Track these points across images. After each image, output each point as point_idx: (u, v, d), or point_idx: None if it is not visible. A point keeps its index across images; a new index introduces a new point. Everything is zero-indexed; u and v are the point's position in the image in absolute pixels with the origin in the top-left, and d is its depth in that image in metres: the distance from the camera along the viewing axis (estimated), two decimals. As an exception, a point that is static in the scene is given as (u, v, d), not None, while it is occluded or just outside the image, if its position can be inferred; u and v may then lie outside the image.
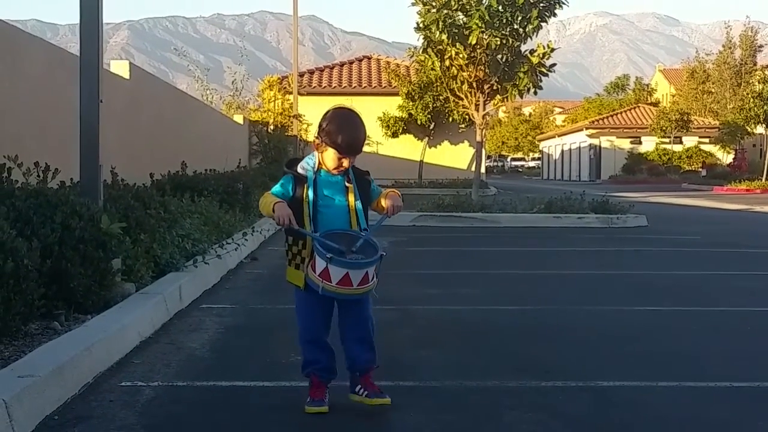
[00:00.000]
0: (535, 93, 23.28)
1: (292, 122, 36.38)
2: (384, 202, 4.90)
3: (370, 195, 4.97)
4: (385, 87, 42.97)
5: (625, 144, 72.02)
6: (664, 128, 63.34)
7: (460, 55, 22.18)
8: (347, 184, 4.85)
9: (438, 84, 25.72)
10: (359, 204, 4.86)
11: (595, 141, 73.72)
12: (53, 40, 14.50)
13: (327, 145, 4.76)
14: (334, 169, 4.80)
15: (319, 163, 4.85)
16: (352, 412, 4.84)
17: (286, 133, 35.18)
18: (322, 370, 4.92)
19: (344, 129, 4.76)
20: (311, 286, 4.71)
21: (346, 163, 4.78)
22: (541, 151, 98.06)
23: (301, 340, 4.99)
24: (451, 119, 38.05)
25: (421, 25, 22.53)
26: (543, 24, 22.18)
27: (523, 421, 4.81)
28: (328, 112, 4.88)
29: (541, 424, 4.76)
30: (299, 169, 4.85)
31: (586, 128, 75.34)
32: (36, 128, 10.15)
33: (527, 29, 22.07)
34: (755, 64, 70.69)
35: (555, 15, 22.14)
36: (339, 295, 4.68)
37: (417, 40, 23.31)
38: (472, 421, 4.85)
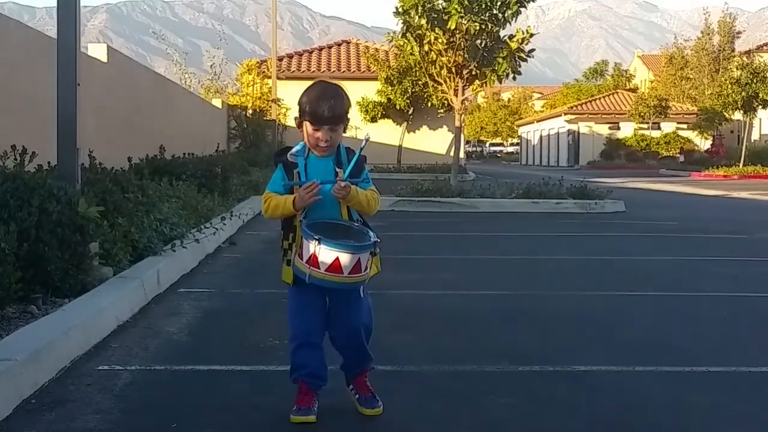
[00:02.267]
0: (514, 78, 23.30)
1: (270, 106, 36.29)
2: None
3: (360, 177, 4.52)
4: (364, 72, 42.91)
5: (604, 130, 72.21)
6: (642, 114, 63.58)
7: (439, 40, 22.17)
8: (337, 168, 4.46)
9: (417, 69, 25.75)
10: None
11: (574, 127, 73.91)
12: (30, 23, 14.42)
13: (302, 119, 4.45)
14: (315, 147, 4.44)
15: (308, 147, 4.50)
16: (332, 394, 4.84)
17: (265, 118, 35.14)
18: (310, 376, 4.53)
19: (312, 96, 4.39)
20: (299, 277, 4.34)
21: (321, 136, 4.38)
22: (519, 137, 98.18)
23: (290, 341, 4.58)
24: (430, 104, 38.04)
25: (400, 10, 22.50)
26: (522, 9, 22.20)
27: (500, 405, 4.83)
28: None
29: (518, 408, 4.79)
30: (289, 157, 4.50)
31: (565, 114, 75.51)
32: (13, 112, 10.09)
33: (506, 14, 22.09)
34: (733, 51, 70.98)
35: (534, 0, 22.16)
36: (327, 283, 4.26)
37: (396, 24, 23.28)
38: (449, 404, 4.86)
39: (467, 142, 76.59)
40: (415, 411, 4.73)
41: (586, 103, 78.11)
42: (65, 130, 8.07)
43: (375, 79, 40.28)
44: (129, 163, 13.40)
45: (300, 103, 4.44)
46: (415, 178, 26.79)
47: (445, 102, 31.53)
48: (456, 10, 21.41)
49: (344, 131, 4.54)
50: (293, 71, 43.43)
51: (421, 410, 4.75)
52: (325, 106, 4.34)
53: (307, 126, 4.42)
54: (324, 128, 4.38)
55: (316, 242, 4.18)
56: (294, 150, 4.53)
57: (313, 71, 43.28)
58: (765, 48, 69.36)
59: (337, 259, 4.20)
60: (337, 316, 4.56)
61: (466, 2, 21.34)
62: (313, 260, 4.22)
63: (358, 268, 4.27)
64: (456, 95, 23.33)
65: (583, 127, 73.04)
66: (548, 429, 4.48)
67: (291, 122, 38.37)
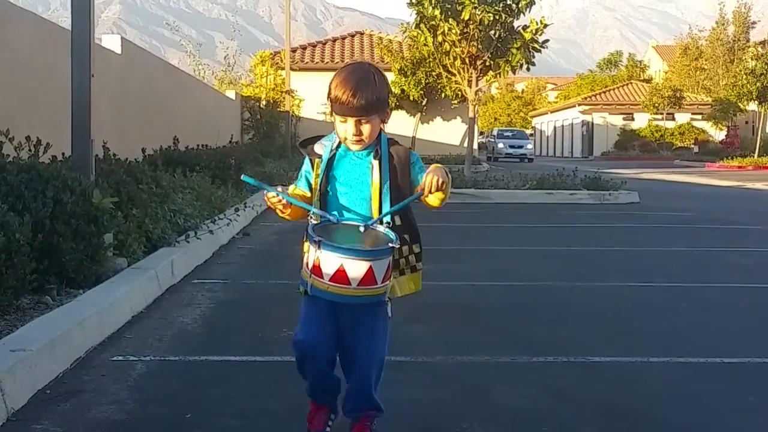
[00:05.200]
0: (528, 69, 23.30)
1: (284, 98, 36.25)
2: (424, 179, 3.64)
3: (409, 177, 3.77)
4: (377, 63, 42.83)
5: (618, 120, 72.05)
6: (656, 105, 63.44)
7: (453, 31, 22.16)
8: (373, 160, 3.73)
9: (431, 60, 25.78)
10: (387, 187, 3.71)
11: (588, 117, 73.75)
12: (45, 15, 14.45)
13: (332, 109, 3.72)
14: (346, 140, 3.71)
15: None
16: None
17: (279, 109, 35.12)
18: (315, 392, 3.96)
19: (338, 80, 3.65)
20: (302, 286, 3.69)
21: (350, 129, 3.64)
22: (533, 128, 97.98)
23: (294, 349, 3.89)
24: (443, 95, 37.99)
25: (414, 1, 22.50)
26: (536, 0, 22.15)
27: (515, 396, 4.83)
28: None
29: (533, 399, 4.78)
30: (316, 147, 3.82)
31: (579, 105, 75.37)
32: (28, 103, 10.12)
33: (520, 5, 22.07)
34: (748, 41, 70.69)
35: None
36: (331, 296, 3.53)
37: (410, 15, 23.32)
38: (463, 395, 4.86)
39: (481, 133, 76.48)
40: (429, 401, 4.73)
41: (600, 93, 77.91)
42: (79, 121, 8.08)
43: (389, 70, 40.16)
44: (143, 154, 13.43)
45: (329, 89, 3.69)
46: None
47: (459, 93, 31.57)
48: (470, 0, 21.38)
49: (385, 121, 3.79)
50: (307, 62, 43.37)
51: (435, 401, 4.75)
52: (351, 92, 3.58)
53: (335, 117, 3.71)
54: (352, 119, 3.64)
55: (317, 245, 3.51)
56: (326, 141, 3.85)
57: (327, 62, 43.22)
58: (780, 38, 69.04)
59: (342, 267, 3.48)
60: (350, 330, 3.80)
61: (479, -8, 21.33)
62: (315, 267, 3.55)
63: (371, 278, 3.51)
64: (470, 86, 23.32)
65: (597, 118, 72.86)
66: (561, 419, 4.47)
67: (305, 113, 38.60)
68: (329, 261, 3.49)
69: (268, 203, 3.71)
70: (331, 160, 3.77)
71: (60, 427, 4.24)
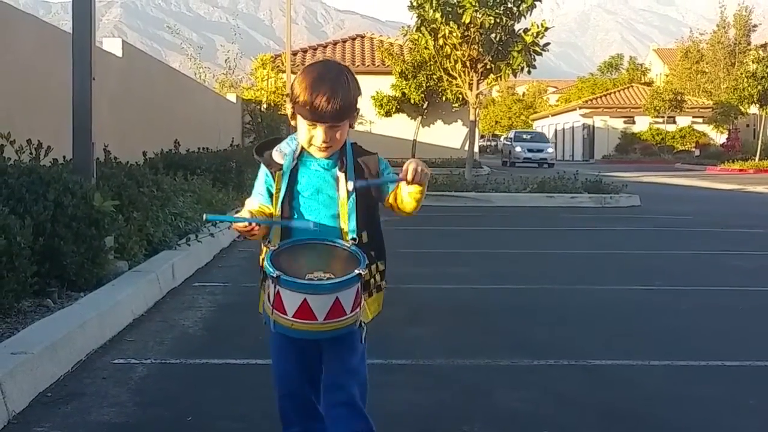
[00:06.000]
0: (529, 72, 23.31)
1: (285, 101, 36.14)
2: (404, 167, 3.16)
3: (379, 187, 3.34)
4: (378, 66, 42.88)
5: (619, 124, 72.04)
6: (657, 108, 63.42)
7: (454, 34, 22.15)
8: (339, 173, 3.27)
9: (431, 63, 25.79)
10: (352, 202, 3.27)
11: (589, 121, 73.74)
12: (45, 18, 14.47)
13: (292, 110, 3.26)
14: (311, 146, 3.24)
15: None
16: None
17: (279, 112, 35.09)
18: None
19: (308, 81, 3.16)
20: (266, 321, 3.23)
21: (319, 135, 3.18)
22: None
23: (274, 386, 3.48)
24: (444, 98, 37.99)
25: (414, 4, 22.50)
26: (537, 3, 22.17)
27: (515, 399, 4.83)
28: None
29: (533, 402, 4.78)
30: (275, 155, 3.33)
31: (580, 108, 75.35)
32: (29, 106, 10.13)
33: (521, 8, 22.06)
34: (749, 44, 70.58)
35: (549, -6, 22.13)
36: (297, 333, 3.12)
37: (410, 18, 23.31)
38: (464, 398, 4.86)
39: (481, 137, 76.51)
40: (429, 404, 4.73)
41: (601, 97, 77.87)
42: (80, 124, 8.08)
43: (389, 73, 40.26)
44: (144, 157, 13.42)
45: (293, 91, 3.23)
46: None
47: (460, 96, 31.52)
48: (470, 3, 21.41)
49: (352, 125, 3.30)
50: (307, 66, 43.33)
51: (435, 403, 4.75)
52: (325, 96, 3.12)
53: (300, 120, 3.24)
54: (323, 126, 3.18)
55: (276, 279, 3.07)
56: (285, 146, 3.36)
57: (328, 65, 43.15)
58: (781, 41, 69.06)
59: (305, 301, 3.05)
60: (327, 354, 3.36)
61: (480, -4, 21.35)
62: (277, 302, 3.11)
63: (339, 310, 3.09)
64: (470, 89, 23.31)
65: (598, 121, 72.86)
66: (562, 422, 4.47)
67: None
68: (291, 296, 3.07)
69: (238, 230, 3.24)
70: (294, 171, 3.30)
71: (61, 430, 4.25)
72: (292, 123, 3.30)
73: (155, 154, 14.34)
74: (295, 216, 3.28)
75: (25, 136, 8.15)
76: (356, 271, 3.10)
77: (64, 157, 8.66)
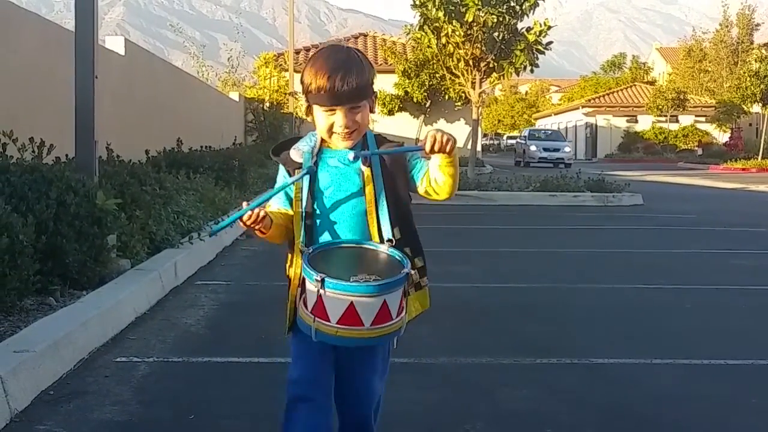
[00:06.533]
0: (532, 71, 23.33)
1: (288, 99, 36.26)
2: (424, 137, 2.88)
3: (407, 176, 3.09)
4: (381, 64, 42.81)
5: (621, 123, 71.97)
6: (660, 107, 63.36)
7: (457, 33, 22.16)
8: (363, 167, 3.03)
9: (434, 62, 25.80)
10: (382, 198, 3.04)
11: (591, 119, 73.69)
12: (48, 16, 14.45)
13: (307, 102, 3.04)
14: (333, 135, 3.02)
15: (322, 140, 3.11)
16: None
17: (282, 111, 35.11)
18: None
19: (318, 66, 2.95)
20: (302, 331, 2.99)
21: (339, 119, 2.96)
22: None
23: (287, 388, 3.19)
24: (447, 97, 37.96)
25: (417, 2, 22.52)
26: (539, 1, 22.19)
27: (518, 398, 4.83)
28: None
29: (536, 400, 4.78)
30: (292, 153, 3.13)
31: (582, 107, 75.29)
32: (31, 104, 10.13)
33: (524, 7, 22.08)
34: (752, 43, 70.53)
35: (552, -8, 22.14)
36: (342, 341, 2.88)
37: (413, 17, 23.35)
38: (466, 397, 4.86)
39: (484, 135, 76.48)
40: (432, 403, 4.73)
41: (603, 95, 77.80)
42: (83, 122, 8.09)
43: (392, 72, 40.23)
44: (146, 155, 13.44)
45: (303, 81, 3.01)
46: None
47: (463, 95, 31.54)
48: (473, 2, 21.43)
49: (372, 110, 3.07)
50: (310, 64, 43.31)
51: (438, 402, 4.75)
52: (338, 76, 2.91)
53: (316, 110, 3.01)
54: (342, 108, 2.96)
55: (319, 283, 2.82)
56: (303, 144, 3.15)
57: (330, 64, 43.16)
58: (784, 40, 69.02)
59: (352, 305, 2.81)
60: (346, 367, 3.20)
61: (483, -6, 21.36)
62: (318, 309, 2.85)
63: (386, 314, 2.86)
64: (473, 88, 23.32)
65: (601, 120, 72.80)
66: (564, 421, 4.47)
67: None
68: (336, 300, 2.82)
69: (246, 226, 3.02)
70: (312, 170, 3.08)
71: (63, 428, 4.25)
72: (308, 119, 3.11)
73: (158, 152, 14.35)
74: (318, 219, 3.06)
75: (28, 135, 8.16)
76: (404, 271, 2.89)
77: (66, 155, 8.67)
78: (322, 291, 2.81)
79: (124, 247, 8.05)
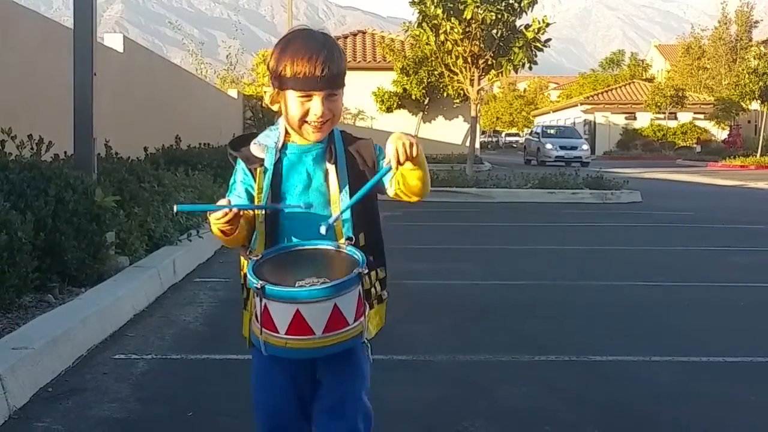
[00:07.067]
0: (530, 68, 23.28)
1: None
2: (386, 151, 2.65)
3: (374, 176, 2.74)
4: (379, 62, 42.84)
5: (620, 120, 72.00)
6: (659, 104, 63.37)
7: (455, 30, 22.14)
8: (328, 163, 2.80)
9: (433, 59, 25.76)
10: (346, 195, 2.76)
11: (590, 117, 73.71)
12: (47, 14, 14.45)
13: (278, 87, 2.77)
14: (304, 125, 2.75)
15: (286, 132, 2.86)
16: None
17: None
18: None
19: (294, 48, 2.70)
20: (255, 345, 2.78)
21: (316, 105, 2.70)
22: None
23: (257, 421, 3.08)
24: (445, 94, 37.94)
25: (416, 0, 22.48)
26: (538, -1, 22.16)
27: (516, 395, 4.83)
28: None
29: (534, 398, 4.78)
30: (253, 149, 2.88)
31: (581, 104, 75.34)
32: (30, 101, 10.13)
33: (522, 4, 22.06)
34: (750, 40, 70.59)
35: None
36: (293, 353, 2.61)
37: (412, 14, 23.30)
38: (465, 394, 4.86)
39: (483, 132, 76.45)
40: (430, 400, 4.73)
41: (602, 93, 77.84)
42: (81, 119, 8.09)
43: (391, 69, 40.22)
44: (145, 152, 13.43)
45: (273, 66, 2.76)
46: (430, 168, 26.71)
47: (461, 92, 31.49)
48: (472, -1, 21.39)
49: (341, 102, 2.85)
50: (309, 61, 43.30)
51: (436, 399, 4.75)
52: (319, 59, 2.67)
53: (290, 96, 2.74)
54: (320, 94, 2.71)
55: (260, 292, 2.57)
56: (264, 138, 2.90)
57: (329, 61, 43.17)
58: (783, 37, 69.02)
59: (298, 312, 2.53)
60: (325, 378, 2.87)
61: (482, -9, 21.34)
62: (265, 319, 2.62)
63: (340, 320, 2.57)
64: (472, 85, 23.30)
65: (600, 117, 72.83)
66: (563, 419, 4.47)
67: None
68: (280, 309, 2.56)
69: (212, 223, 2.70)
70: (277, 166, 2.83)
71: (62, 425, 4.25)
72: (274, 108, 2.85)
73: (156, 149, 14.36)
74: (284, 210, 2.78)
75: (26, 132, 8.16)
76: (356, 271, 2.59)
77: (65, 152, 8.67)
78: (265, 299, 2.57)
79: (123, 244, 8.05)
